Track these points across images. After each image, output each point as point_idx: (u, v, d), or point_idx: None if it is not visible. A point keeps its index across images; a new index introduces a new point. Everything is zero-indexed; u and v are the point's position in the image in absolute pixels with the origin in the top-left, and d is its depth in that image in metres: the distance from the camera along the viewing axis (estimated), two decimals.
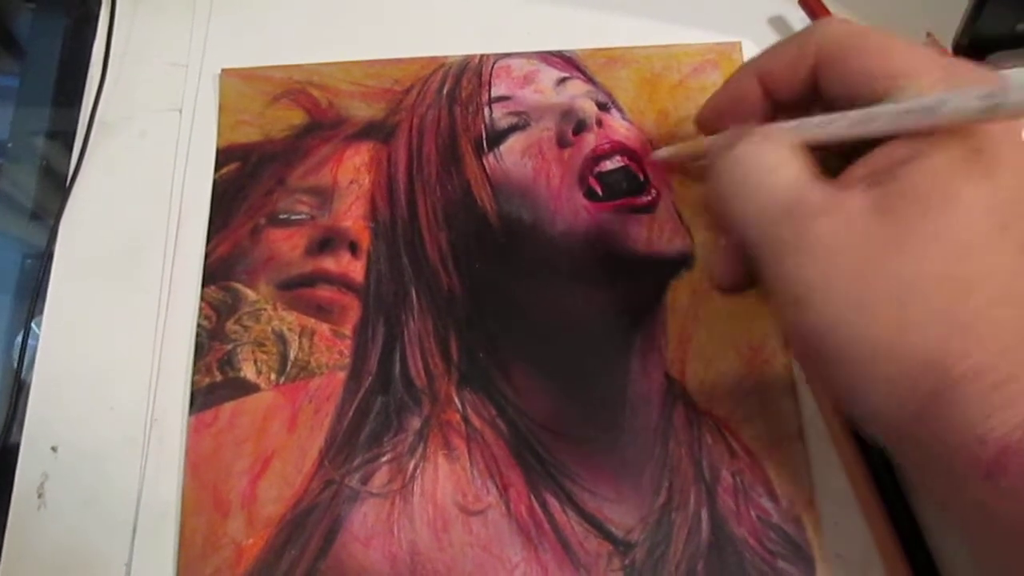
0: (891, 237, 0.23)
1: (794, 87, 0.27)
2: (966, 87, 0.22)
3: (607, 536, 0.30)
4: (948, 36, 0.37)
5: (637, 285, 0.34)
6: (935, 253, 0.22)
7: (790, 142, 0.25)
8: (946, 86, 0.23)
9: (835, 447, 0.31)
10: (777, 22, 0.38)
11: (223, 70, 0.38)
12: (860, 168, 0.24)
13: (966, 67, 0.24)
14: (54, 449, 0.32)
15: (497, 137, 0.36)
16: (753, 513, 0.30)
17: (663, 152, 0.34)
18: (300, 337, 0.33)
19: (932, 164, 0.23)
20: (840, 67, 0.25)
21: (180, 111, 0.38)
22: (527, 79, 0.38)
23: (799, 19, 0.39)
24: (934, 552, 0.29)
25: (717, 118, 0.29)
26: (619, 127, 0.36)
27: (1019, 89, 0.21)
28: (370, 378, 0.32)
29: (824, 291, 0.23)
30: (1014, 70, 0.35)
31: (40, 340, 0.34)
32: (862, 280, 0.23)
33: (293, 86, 0.38)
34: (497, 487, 0.31)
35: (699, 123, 0.31)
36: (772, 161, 0.25)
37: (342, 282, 0.34)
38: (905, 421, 0.23)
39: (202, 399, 0.32)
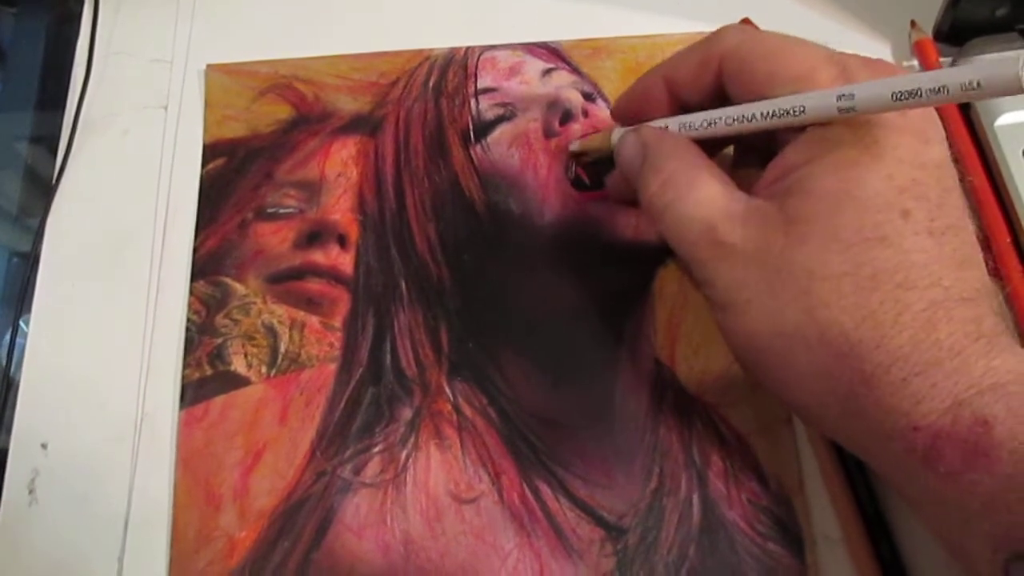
0: (796, 241, 0.24)
1: (699, 92, 0.28)
2: (825, 89, 0.23)
3: (599, 522, 0.30)
4: (929, 22, 0.37)
5: (625, 273, 0.34)
6: (838, 250, 0.23)
7: (703, 166, 0.27)
8: (842, 83, 0.24)
9: (807, 434, 0.32)
10: (759, 12, 0.38)
11: (208, 65, 0.38)
12: (768, 174, 0.25)
13: (860, 63, 0.25)
14: (44, 446, 0.32)
15: (484, 128, 0.37)
16: (743, 497, 0.31)
17: (575, 145, 0.35)
18: (290, 330, 0.33)
19: (828, 164, 0.24)
20: (744, 73, 0.26)
21: (165, 108, 0.38)
22: (513, 70, 0.38)
23: (783, 9, 0.39)
24: (901, 543, 0.30)
25: (628, 114, 0.31)
26: (605, 117, 0.36)
27: (867, 88, 0.22)
28: (361, 369, 0.33)
29: (744, 295, 0.25)
30: (987, 56, 0.36)
31: (28, 338, 0.34)
32: (775, 281, 0.24)
33: (279, 80, 0.38)
34: (489, 475, 0.31)
35: (613, 116, 0.32)
36: (683, 193, 0.26)
37: (331, 275, 0.34)
38: (834, 413, 0.24)
39: (192, 393, 0.32)
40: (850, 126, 0.24)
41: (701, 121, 0.27)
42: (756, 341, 0.25)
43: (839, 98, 0.23)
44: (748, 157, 0.30)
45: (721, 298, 0.25)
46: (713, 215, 0.25)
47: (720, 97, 0.27)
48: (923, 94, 0.21)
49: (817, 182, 0.24)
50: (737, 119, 0.26)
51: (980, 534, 0.21)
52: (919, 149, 0.24)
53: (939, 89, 0.21)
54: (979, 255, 0.24)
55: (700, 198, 0.26)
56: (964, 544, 0.22)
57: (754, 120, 0.25)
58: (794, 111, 0.24)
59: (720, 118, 0.26)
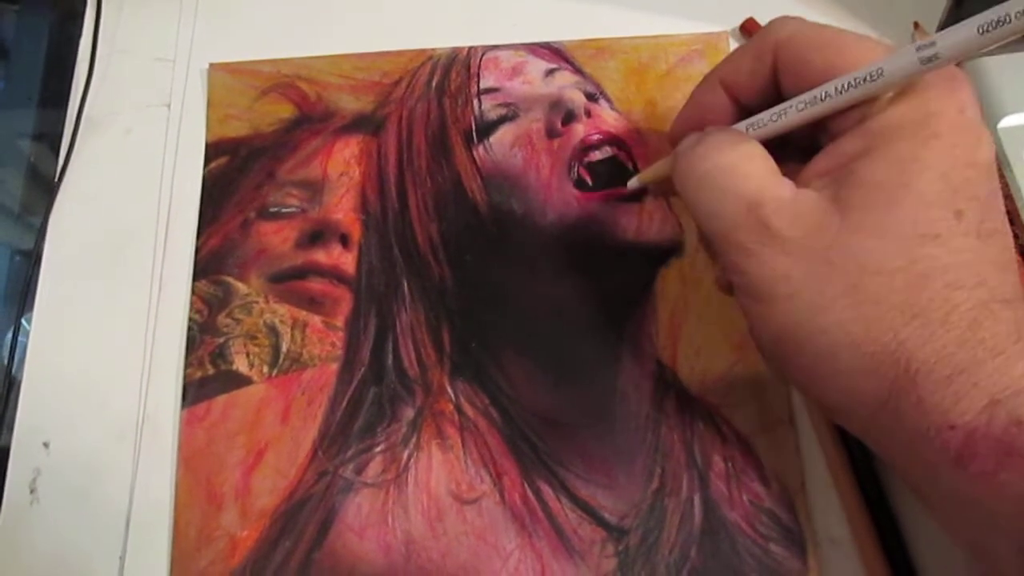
0: (849, 230, 0.23)
1: (758, 90, 0.27)
2: (902, 48, 0.23)
3: (601, 522, 0.30)
4: (933, 23, 0.37)
5: (627, 273, 0.34)
6: (892, 244, 0.23)
7: (749, 139, 0.26)
8: None
9: (815, 433, 0.32)
10: (761, 12, 0.38)
11: (211, 64, 0.38)
12: (818, 164, 0.25)
13: None
14: (46, 445, 0.32)
15: (486, 128, 0.36)
16: (745, 498, 0.31)
17: (634, 181, 0.34)
18: (292, 329, 0.33)
19: (886, 156, 0.23)
20: (799, 65, 0.26)
21: (168, 106, 0.38)
22: (515, 71, 0.38)
23: (786, 10, 0.39)
24: (909, 542, 0.30)
25: (688, 130, 0.29)
26: (607, 117, 0.36)
27: (946, 36, 0.21)
28: (363, 369, 0.33)
29: (786, 288, 0.24)
30: None
31: (30, 337, 0.34)
32: (823, 274, 0.23)
33: (281, 80, 0.38)
34: (491, 475, 0.31)
35: (671, 140, 0.31)
36: (730, 161, 0.25)
37: (333, 274, 0.34)
38: (870, 412, 0.23)
39: (194, 392, 0.32)
40: (910, 119, 0.23)
41: (770, 115, 0.26)
42: (795, 335, 0.24)
43: (920, 48, 0.22)
44: (784, 155, 0.29)
45: (758, 289, 0.24)
46: (761, 192, 0.24)
47: (778, 94, 0.26)
48: (1012, 18, 0.20)
49: (874, 173, 0.23)
50: (809, 102, 0.25)
51: (1007, 535, 0.21)
52: (973, 148, 0.23)
53: None
54: (1015, 259, 0.24)
55: (749, 171, 0.25)
56: (988, 546, 0.22)
57: (828, 98, 0.24)
58: (872, 76, 0.23)
59: (791, 107, 0.25)
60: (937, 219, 0.23)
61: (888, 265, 0.23)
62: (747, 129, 0.27)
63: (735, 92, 0.28)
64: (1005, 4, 0.20)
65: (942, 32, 0.22)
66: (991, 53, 0.35)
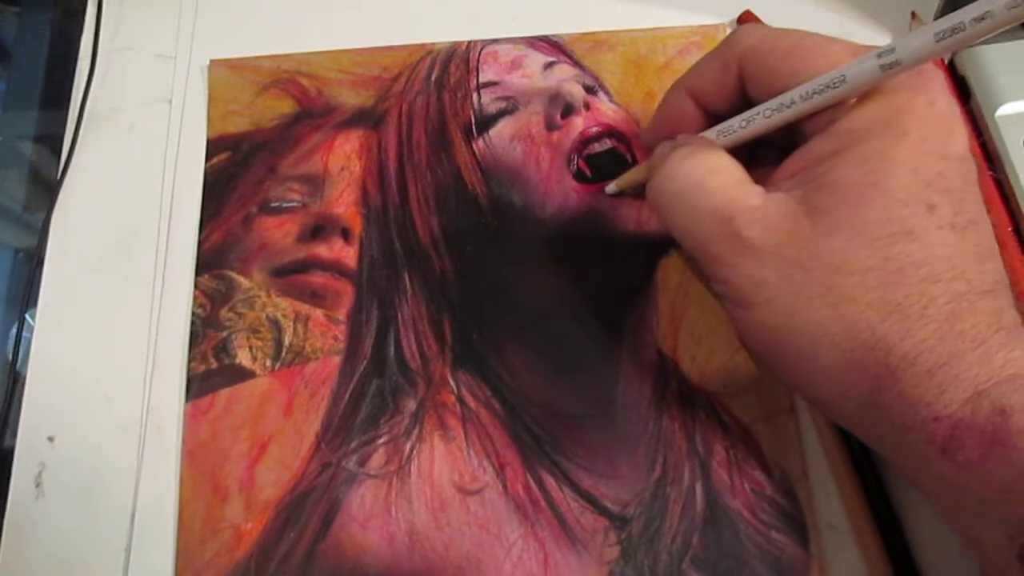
0: (822, 231, 0.23)
1: (725, 99, 0.27)
2: (862, 55, 0.23)
3: (603, 512, 0.30)
4: (930, 13, 0.37)
5: (628, 264, 0.34)
6: (864, 244, 0.23)
7: (716, 151, 0.26)
8: None
9: (814, 423, 0.32)
10: (759, 4, 0.38)
11: (211, 61, 0.39)
12: (788, 166, 0.25)
13: None
14: (51, 439, 0.32)
15: (486, 122, 0.37)
16: (747, 486, 0.31)
17: (612, 187, 0.34)
18: (294, 323, 0.33)
19: (855, 157, 0.23)
20: (765, 73, 0.26)
21: (169, 102, 0.38)
22: (514, 64, 0.38)
23: (783, 1, 0.39)
24: (907, 530, 0.30)
25: (660, 138, 0.30)
26: (606, 110, 0.37)
27: (907, 41, 0.22)
28: (365, 362, 0.33)
29: (764, 293, 0.24)
30: None
31: (35, 332, 0.34)
32: (797, 277, 0.24)
33: (282, 75, 0.38)
34: (493, 466, 0.31)
35: (644, 147, 0.31)
36: (698, 177, 0.26)
37: (335, 268, 0.34)
38: (855, 406, 0.24)
39: (198, 386, 0.33)
40: (879, 119, 0.23)
41: (739, 121, 0.26)
42: (776, 337, 0.24)
43: (880, 55, 0.22)
44: (759, 156, 0.29)
45: (737, 296, 0.25)
46: (731, 204, 0.25)
47: (746, 101, 0.27)
48: (967, 26, 0.20)
49: (843, 174, 0.23)
50: (776, 109, 0.25)
51: (996, 522, 0.21)
52: (945, 141, 0.23)
53: (983, 16, 0.20)
54: (996, 249, 0.24)
55: (718, 185, 0.25)
56: (979, 532, 0.22)
57: (793, 105, 0.25)
58: (833, 84, 0.23)
59: (758, 113, 0.26)
60: (908, 215, 0.23)
61: (861, 265, 0.23)
62: (717, 136, 0.27)
63: (702, 100, 0.28)
64: (960, 11, 0.21)
65: (901, 39, 0.22)
66: (991, 42, 0.36)
